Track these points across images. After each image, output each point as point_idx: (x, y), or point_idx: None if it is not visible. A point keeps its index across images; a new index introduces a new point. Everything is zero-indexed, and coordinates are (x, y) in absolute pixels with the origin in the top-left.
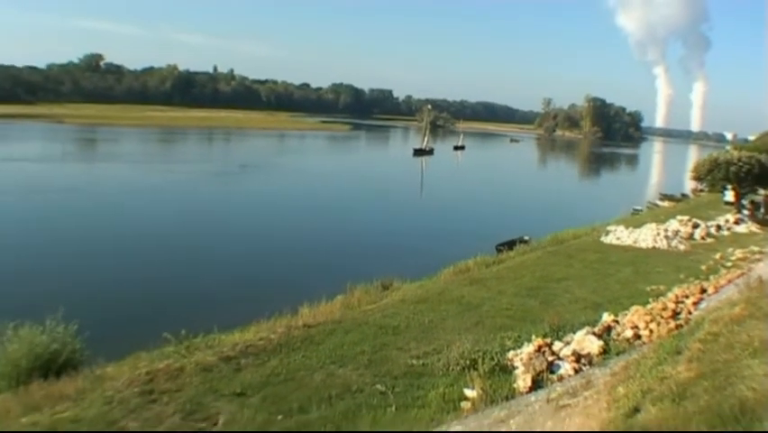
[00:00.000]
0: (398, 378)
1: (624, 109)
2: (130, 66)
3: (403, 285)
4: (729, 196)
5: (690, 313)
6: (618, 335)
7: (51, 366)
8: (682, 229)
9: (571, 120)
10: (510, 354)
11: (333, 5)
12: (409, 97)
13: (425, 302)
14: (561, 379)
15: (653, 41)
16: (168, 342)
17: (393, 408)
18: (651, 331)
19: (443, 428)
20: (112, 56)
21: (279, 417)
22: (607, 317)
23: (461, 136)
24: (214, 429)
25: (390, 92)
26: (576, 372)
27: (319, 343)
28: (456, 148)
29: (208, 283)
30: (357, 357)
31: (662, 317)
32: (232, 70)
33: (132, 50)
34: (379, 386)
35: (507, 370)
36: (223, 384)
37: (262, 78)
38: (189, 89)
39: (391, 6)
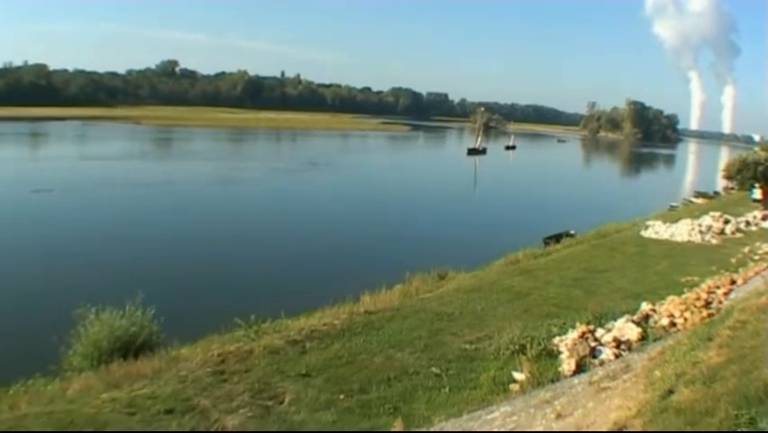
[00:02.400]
0: (452, 361)
1: (661, 112)
2: (203, 71)
3: (458, 275)
4: (757, 193)
5: (720, 303)
6: (656, 322)
7: (130, 347)
8: (714, 225)
9: (614, 122)
10: (556, 339)
11: (394, 15)
12: (464, 100)
13: (477, 291)
14: (602, 363)
15: (686, 48)
16: (238, 326)
17: (447, 389)
18: (685, 319)
19: (494, 408)
20: (186, 62)
21: (341, 396)
22: (645, 306)
23: (512, 137)
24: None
25: (446, 95)
26: (616, 357)
27: (379, 328)
28: (507, 148)
29: (276, 271)
30: (414, 342)
31: (695, 306)
32: (298, 75)
33: (205, 56)
34: (434, 369)
35: (552, 355)
36: (289, 366)
37: (327, 82)
38: (259, 93)
39: (449, 19)
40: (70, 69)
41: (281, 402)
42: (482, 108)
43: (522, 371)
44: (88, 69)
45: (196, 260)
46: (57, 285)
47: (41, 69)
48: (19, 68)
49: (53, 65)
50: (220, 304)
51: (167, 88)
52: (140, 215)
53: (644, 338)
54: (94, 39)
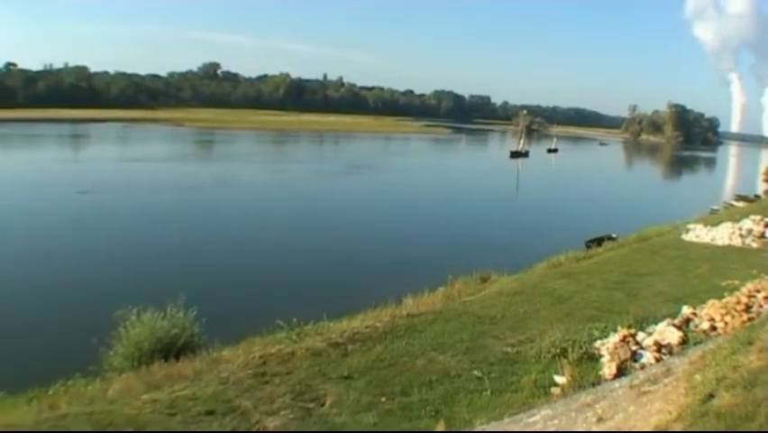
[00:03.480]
0: (494, 364)
1: (702, 115)
2: (245, 74)
3: (500, 278)
4: None
5: (761, 306)
6: (696, 326)
7: (171, 349)
8: (755, 228)
9: (655, 125)
10: (597, 343)
11: (437, 17)
12: (506, 103)
13: (520, 294)
14: (643, 367)
15: (726, 50)
16: (280, 328)
17: (488, 392)
18: (726, 323)
19: (534, 412)
20: (228, 64)
21: (383, 398)
22: (686, 310)
23: (554, 140)
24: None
25: (488, 98)
26: (657, 360)
27: (421, 331)
28: (550, 151)
29: (319, 273)
30: (456, 345)
31: (735, 310)
32: (341, 78)
33: (247, 59)
34: (476, 372)
35: (594, 358)
36: (331, 368)
37: (369, 85)
38: (301, 95)
39: (492, 22)
40: (111, 71)
41: (322, 404)
42: (525, 111)
43: (563, 374)
44: (129, 71)
45: (239, 262)
46: (98, 286)
47: (81, 71)
48: (60, 70)
49: (94, 67)
50: (262, 306)
51: (209, 91)
52: (182, 217)
53: (684, 342)
54: (135, 41)
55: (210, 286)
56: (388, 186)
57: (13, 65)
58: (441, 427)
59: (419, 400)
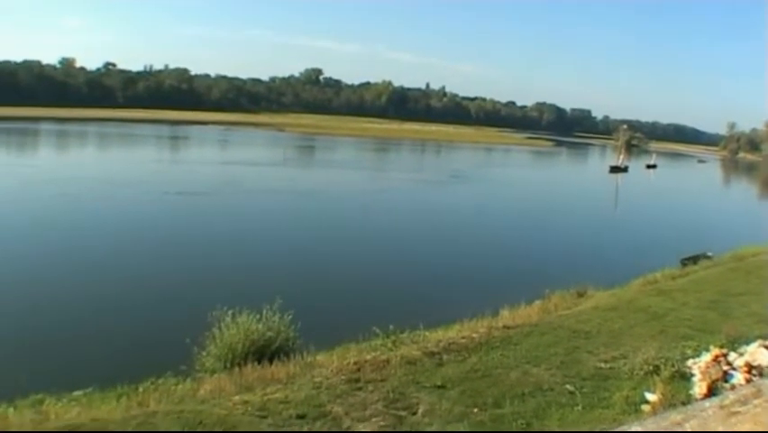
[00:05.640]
0: (586, 379)
1: None
2: (347, 80)
3: (596, 293)
4: None
5: None
6: None
7: (265, 352)
8: None
9: (752, 143)
10: (689, 362)
11: (539, 30)
12: (606, 118)
13: (615, 310)
14: (733, 388)
15: None
16: (376, 336)
17: (580, 407)
18: None
19: (624, 429)
20: (330, 71)
21: (475, 409)
22: None
23: (653, 155)
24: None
25: (589, 112)
26: (747, 381)
27: (516, 343)
28: (648, 166)
29: (416, 283)
30: (550, 358)
31: None
32: (443, 87)
33: (349, 66)
34: (568, 386)
35: (685, 377)
36: (425, 377)
37: (471, 95)
38: (403, 104)
39: (593, 36)
40: (212, 74)
41: (414, 413)
42: (625, 126)
43: (654, 392)
44: (229, 74)
45: (337, 268)
46: (196, 286)
47: (182, 73)
48: (160, 71)
49: (194, 70)
50: (359, 313)
51: (310, 96)
52: (282, 221)
53: None
54: (237, 45)
55: (307, 291)
56: (489, 197)
57: (113, 65)
58: None
59: (511, 413)
